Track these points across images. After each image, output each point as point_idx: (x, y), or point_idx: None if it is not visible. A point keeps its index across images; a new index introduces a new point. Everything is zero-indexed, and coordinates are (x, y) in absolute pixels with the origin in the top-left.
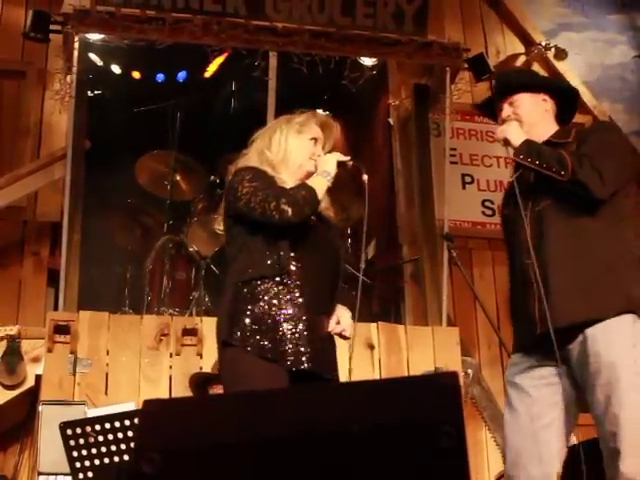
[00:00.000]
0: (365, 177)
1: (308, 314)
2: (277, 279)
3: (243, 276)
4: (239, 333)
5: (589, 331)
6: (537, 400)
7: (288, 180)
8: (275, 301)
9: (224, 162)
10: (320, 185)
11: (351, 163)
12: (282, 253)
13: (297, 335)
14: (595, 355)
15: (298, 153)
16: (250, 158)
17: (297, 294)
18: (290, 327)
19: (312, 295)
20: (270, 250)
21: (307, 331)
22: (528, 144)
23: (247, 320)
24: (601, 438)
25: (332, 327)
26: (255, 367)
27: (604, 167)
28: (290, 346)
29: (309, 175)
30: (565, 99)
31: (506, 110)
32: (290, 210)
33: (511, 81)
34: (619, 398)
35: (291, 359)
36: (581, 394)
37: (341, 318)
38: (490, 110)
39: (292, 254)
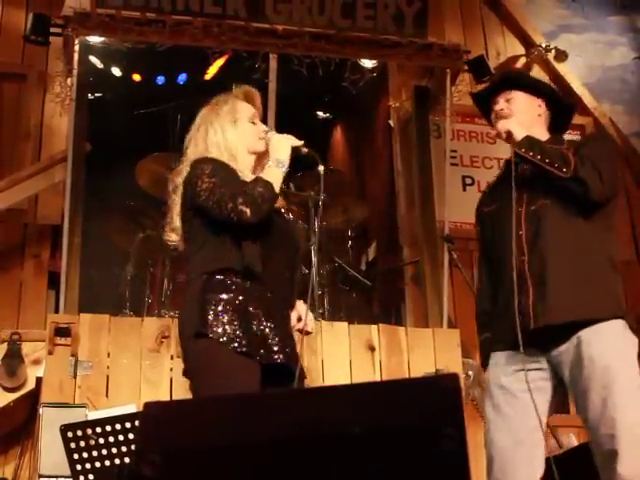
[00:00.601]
0: (321, 168)
1: (275, 309)
2: (245, 274)
3: (210, 267)
4: (214, 324)
5: (582, 334)
6: (526, 404)
7: (245, 170)
8: (247, 295)
9: None
10: (276, 177)
11: (306, 150)
12: (248, 247)
13: (268, 330)
14: (589, 359)
15: (243, 142)
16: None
17: (265, 289)
18: (262, 321)
19: (278, 289)
20: (235, 245)
21: (277, 325)
22: (530, 138)
23: (220, 311)
24: (595, 441)
25: (293, 323)
26: (230, 360)
27: (604, 169)
28: (263, 340)
29: (263, 155)
30: (560, 112)
31: (501, 104)
32: (248, 210)
33: (512, 77)
34: (614, 401)
35: (264, 353)
36: (559, 397)
37: (301, 314)
38: (484, 104)
39: (257, 248)
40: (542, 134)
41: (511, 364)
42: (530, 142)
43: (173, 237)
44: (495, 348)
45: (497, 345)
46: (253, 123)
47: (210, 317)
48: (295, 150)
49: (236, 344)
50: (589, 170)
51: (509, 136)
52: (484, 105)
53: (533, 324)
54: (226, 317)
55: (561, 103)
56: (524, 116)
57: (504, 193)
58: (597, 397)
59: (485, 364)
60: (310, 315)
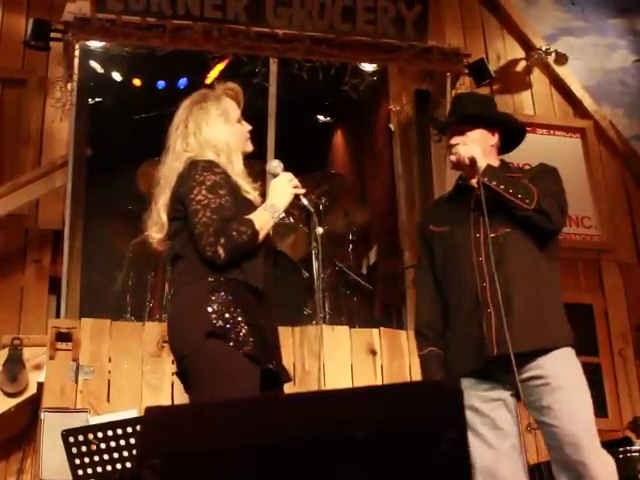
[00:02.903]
0: (319, 230)
1: (268, 313)
2: (238, 279)
3: (206, 271)
4: (226, 326)
5: (544, 359)
6: (499, 422)
7: (241, 174)
8: (251, 298)
9: None
10: (266, 224)
11: (305, 202)
12: (249, 263)
13: (266, 335)
14: (554, 377)
15: (236, 144)
16: (180, 159)
17: (257, 293)
18: (263, 326)
19: (267, 292)
20: None
21: (272, 331)
22: (493, 168)
23: (230, 313)
24: (555, 448)
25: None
26: (239, 364)
27: (562, 201)
28: (263, 345)
29: (246, 152)
30: (512, 135)
31: (456, 139)
32: (223, 255)
33: (471, 114)
34: (577, 411)
35: (264, 358)
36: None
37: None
38: (439, 124)
39: (259, 262)
40: (492, 162)
41: (478, 385)
42: (494, 172)
43: (157, 236)
44: (458, 372)
45: (459, 369)
46: (240, 123)
47: (222, 318)
48: (295, 197)
49: (247, 348)
50: (550, 202)
51: (472, 163)
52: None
53: (496, 351)
54: (236, 320)
55: (514, 129)
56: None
57: (457, 215)
58: (562, 408)
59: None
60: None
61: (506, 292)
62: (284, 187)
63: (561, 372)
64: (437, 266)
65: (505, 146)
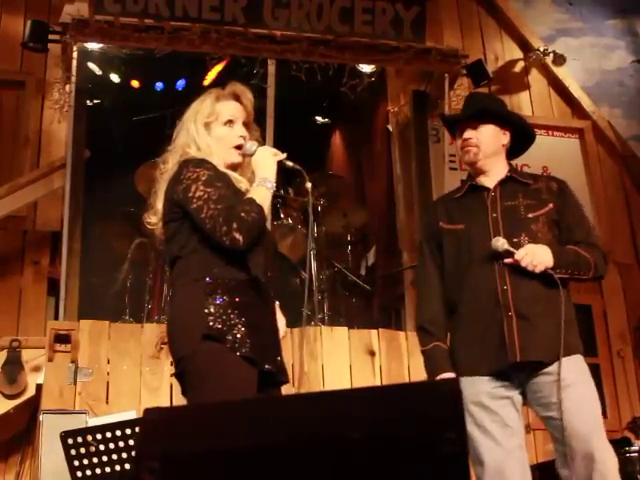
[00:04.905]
0: (309, 185)
1: (267, 314)
2: (239, 278)
3: (209, 271)
4: (223, 328)
5: (557, 364)
6: (507, 420)
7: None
8: (248, 299)
9: None
10: (265, 198)
11: (291, 164)
12: (252, 258)
13: (264, 336)
14: (564, 373)
15: (216, 147)
16: (176, 154)
17: (257, 293)
18: (261, 327)
19: (266, 293)
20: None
21: (270, 332)
22: (558, 257)
23: (227, 315)
24: (563, 441)
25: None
26: (236, 366)
27: (600, 243)
28: (261, 347)
29: (237, 165)
30: (521, 137)
31: (469, 133)
32: (241, 239)
33: (485, 109)
34: (587, 406)
35: (261, 360)
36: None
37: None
38: (451, 123)
39: (260, 258)
40: (502, 162)
41: (487, 383)
42: (561, 261)
43: (153, 220)
44: (473, 373)
45: (476, 370)
46: (230, 125)
47: (219, 320)
48: (280, 163)
49: (244, 349)
50: (600, 259)
51: (547, 269)
52: (451, 124)
53: (520, 357)
54: (233, 321)
55: (525, 132)
56: (490, 147)
57: (472, 215)
58: (574, 404)
59: (436, 374)
60: (282, 320)
61: (527, 299)
62: (266, 158)
63: (572, 370)
64: (446, 263)
65: (512, 151)
